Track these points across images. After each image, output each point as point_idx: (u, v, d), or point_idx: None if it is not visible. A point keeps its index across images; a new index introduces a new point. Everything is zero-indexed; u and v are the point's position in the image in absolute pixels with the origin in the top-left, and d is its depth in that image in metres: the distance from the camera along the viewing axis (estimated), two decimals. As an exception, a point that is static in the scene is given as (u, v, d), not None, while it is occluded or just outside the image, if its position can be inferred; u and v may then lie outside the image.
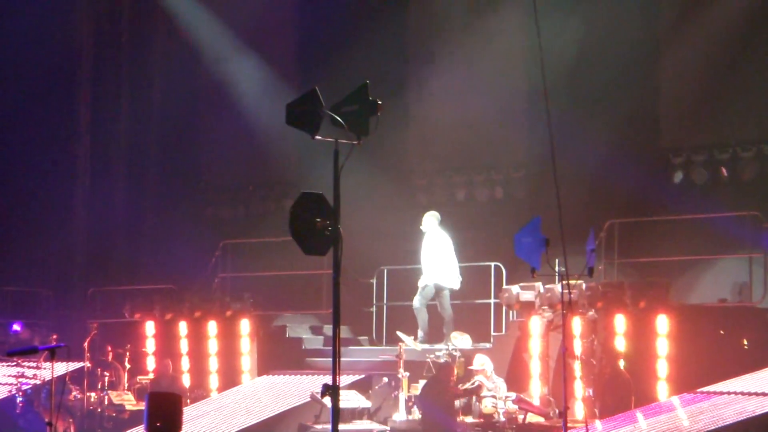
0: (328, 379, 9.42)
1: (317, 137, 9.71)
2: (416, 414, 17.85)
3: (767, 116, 20.30)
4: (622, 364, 16.97)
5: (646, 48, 21.28)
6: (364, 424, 18.33)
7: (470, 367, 17.75)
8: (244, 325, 21.13)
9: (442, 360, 17.93)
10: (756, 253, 18.35)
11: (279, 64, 24.62)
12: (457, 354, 18.13)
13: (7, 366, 21.24)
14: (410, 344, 18.55)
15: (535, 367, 18.09)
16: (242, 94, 25.08)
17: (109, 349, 21.92)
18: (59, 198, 26.42)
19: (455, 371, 17.57)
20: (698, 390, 16.25)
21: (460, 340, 18.89)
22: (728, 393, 15.85)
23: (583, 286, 17.55)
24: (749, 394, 15.64)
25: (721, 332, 17.43)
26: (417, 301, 19.57)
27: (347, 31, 23.70)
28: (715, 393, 15.99)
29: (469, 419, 17.23)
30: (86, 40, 26.77)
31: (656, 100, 21.32)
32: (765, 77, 20.23)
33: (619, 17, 21.15)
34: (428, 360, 18.32)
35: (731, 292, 18.95)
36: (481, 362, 17.73)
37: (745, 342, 17.42)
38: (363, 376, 19.03)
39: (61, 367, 19.53)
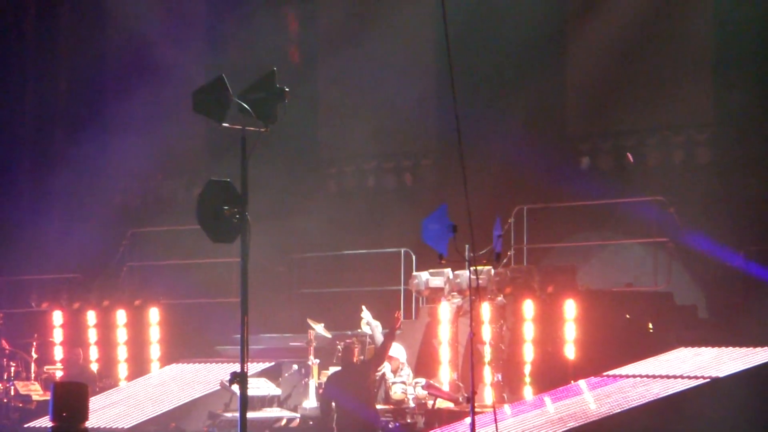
0: (237, 367, 9.40)
1: (225, 125, 9.68)
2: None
3: (671, 103, 20.56)
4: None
5: (551, 35, 21.46)
6: (274, 411, 18.28)
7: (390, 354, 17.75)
8: (153, 314, 21.02)
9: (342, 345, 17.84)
10: (660, 238, 18.63)
11: (187, 49, 24.40)
12: (368, 340, 18.14)
13: None
14: (320, 331, 18.53)
15: (444, 353, 18.18)
16: (151, 79, 24.82)
17: (15, 339, 21.62)
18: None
19: (356, 352, 17.48)
20: (604, 373, 16.46)
21: (371, 327, 18.87)
22: (634, 376, 16.08)
23: (492, 271, 17.67)
24: (654, 376, 15.88)
25: (627, 316, 17.67)
26: None
27: (255, 16, 23.58)
28: (621, 376, 16.21)
29: (378, 406, 17.23)
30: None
31: (562, 87, 21.52)
32: (668, 65, 20.52)
33: (525, 6, 21.30)
34: (338, 346, 18.32)
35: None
36: (397, 353, 17.72)
37: (650, 325, 17.68)
38: (273, 363, 18.98)
39: (-34, 358, 19.24)
